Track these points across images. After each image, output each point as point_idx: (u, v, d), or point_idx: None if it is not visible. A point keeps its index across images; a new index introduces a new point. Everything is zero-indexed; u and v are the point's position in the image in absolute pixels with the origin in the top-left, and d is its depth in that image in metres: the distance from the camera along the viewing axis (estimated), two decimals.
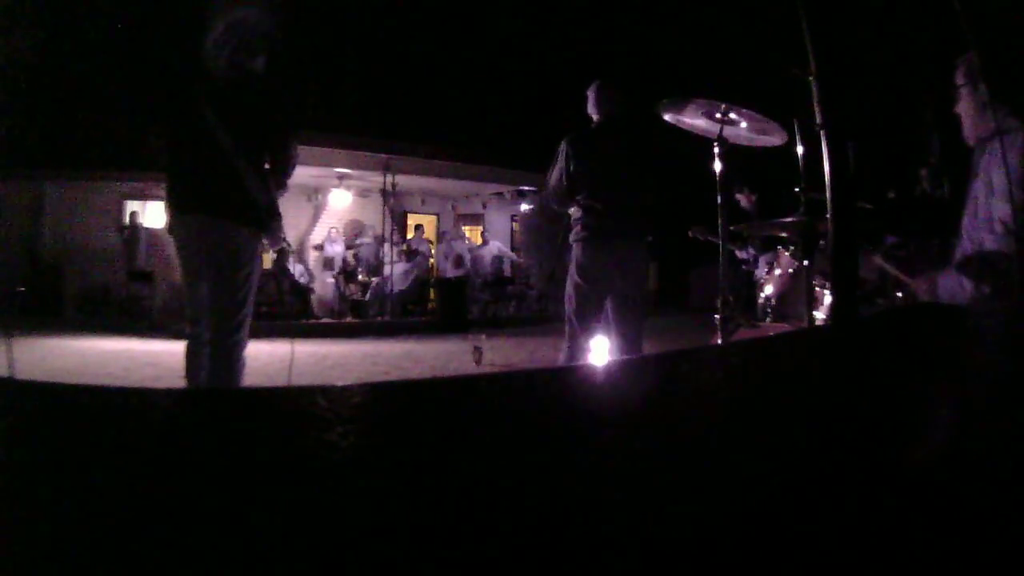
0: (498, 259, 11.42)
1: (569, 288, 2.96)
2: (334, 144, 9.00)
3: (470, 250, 11.33)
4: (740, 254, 5.18)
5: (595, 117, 3.04)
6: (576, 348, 2.92)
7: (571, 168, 2.91)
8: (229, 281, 2.39)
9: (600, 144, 2.97)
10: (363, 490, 0.37)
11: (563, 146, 2.96)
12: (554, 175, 2.99)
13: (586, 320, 2.93)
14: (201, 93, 2.39)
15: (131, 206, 10.53)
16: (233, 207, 2.36)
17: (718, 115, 2.56)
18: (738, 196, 5.21)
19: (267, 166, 2.48)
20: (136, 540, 0.30)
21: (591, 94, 3.04)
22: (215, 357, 2.37)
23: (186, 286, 2.52)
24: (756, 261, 5.05)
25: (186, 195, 2.43)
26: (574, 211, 2.97)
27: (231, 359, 2.39)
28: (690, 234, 4.44)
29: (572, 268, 2.97)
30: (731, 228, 2.78)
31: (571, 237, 2.98)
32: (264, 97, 2.49)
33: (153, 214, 10.50)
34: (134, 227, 9.86)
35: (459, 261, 10.85)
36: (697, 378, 0.68)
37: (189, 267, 2.47)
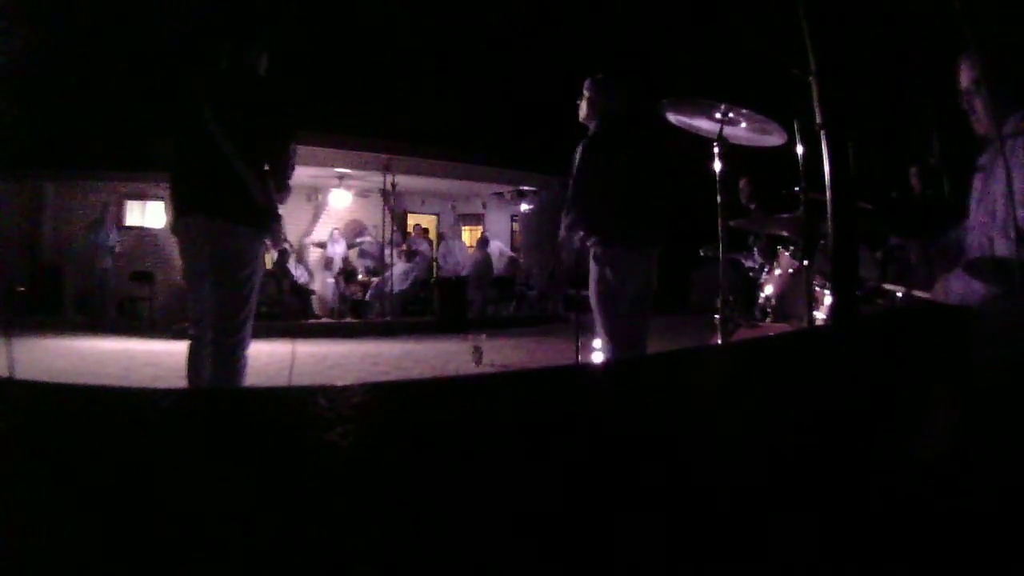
0: (506, 259, 11.45)
1: (598, 295, 2.81)
2: (334, 144, 9.00)
3: (474, 252, 11.34)
4: (747, 262, 5.16)
5: (594, 117, 2.95)
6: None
7: (590, 173, 2.79)
8: (230, 281, 2.40)
9: (611, 143, 2.88)
10: (363, 490, 0.37)
11: (580, 152, 2.82)
12: (575, 187, 2.83)
13: (625, 324, 2.79)
14: (202, 94, 2.40)
15: (131, 206, 10.52)
16: (233, 208, 2.38)
17: (718, 115, 2.56)
18: (741, 184, 5.18)
19: (267, 167, 2.49)
20: (136, 540, 0.30)
21: (589, 91, 2.95)
22: (216, 357, 2.38)
23: (188, 286, 2.54)
24: (763, 268, 5.03)
25: (187, 196, 2.45)
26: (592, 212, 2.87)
27: (232, 359, 2.40)
28: (701, 253, 4.43)
29: (599, 274, 2.82)
30: (731, 223, 2.76)
31: (589, 241, 2.86)
32: (265, 98, 2.50)
33: (153, 214, 10.50)
34: (92, 223, 9.64)
35: (487, 268, 10.88)
36: (697, 378, 0.68)
37: (191, 267, 2.49)
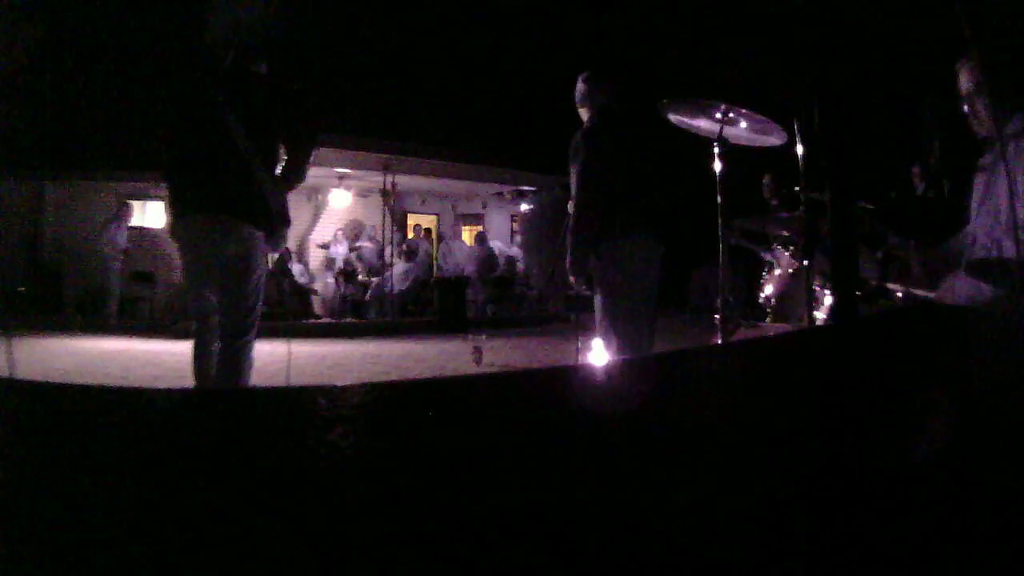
0: (504, 259, 11.47)
1: (604, 297, 2.80)
2: (334, 144, 9.00)
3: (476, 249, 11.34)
4: (766, 256, 5.15)
5: (589, 111, 2.94)
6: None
7: (590, 165, 2.78)
8: (242, 284, 2.40)
9: (607, 136, 2.87)
10: (363, 489, 0.37)
11: (580, 143, 2.82)
12: (580, 181, 2.81)
13: (629, 321, 2.78)
14: (216, 95, 2.37)
15: (131, 206, 10.50)
16: (244, 208, 2.36)
17: (718, 115, 2.56)
18: (764, 180, 5.16)
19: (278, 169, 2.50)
20: (136, 539, 0.30)
21: (582, 86, 2.96)
22: (225, 357, 2.39)
23: (192, 285, 2.51)
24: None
25: (194, 194, 2.40)
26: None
27: (241, 359, 2.41)
28: (732, 241, 4.39)
29: (603, 272, 2.81)
30: (730, 225, 2.76)
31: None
32: (273, 99, 2.48)
33: (153, 214, 10.49)
34: (108, 221, 9.55)
35: (491, 263, 10.89)
36: (697, 378, 0.68)
37: (196, 267, 2.46)
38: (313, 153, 2.53)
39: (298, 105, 2.54)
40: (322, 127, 2.82)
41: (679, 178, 3.02)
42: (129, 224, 9.80)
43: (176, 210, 2.46)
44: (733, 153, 2.62)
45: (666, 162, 3.00)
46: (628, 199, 2.80)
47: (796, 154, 2.29)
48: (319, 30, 10.90)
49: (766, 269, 4.16)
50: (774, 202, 5.15)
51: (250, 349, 2.44)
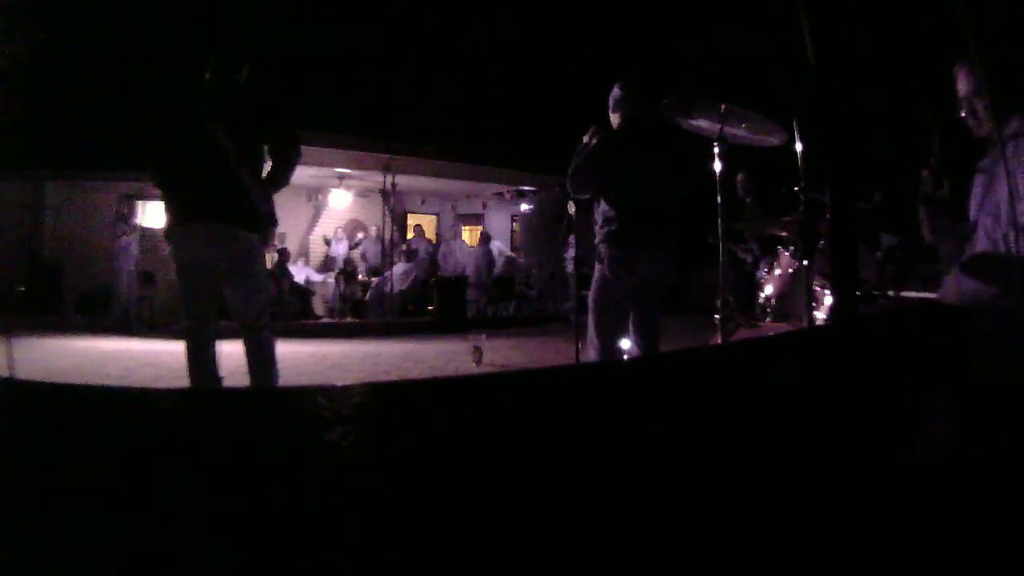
0: (504, 259, 11.47)
1: (595, 292, 2.85)
2: (334, 144, 8.99)
3: (474, 251, 11.34)
4: (743, 256, 5.16)
5: (618, 118, 2.96)
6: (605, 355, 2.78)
7: (603, 163, 2.81)
8: (248, 284, 2.56)
9: (634, 145, 2.89)
10: (363, 488, 0.37)
11: (602, 138, 2.85)
12: (583, 159, 2.85)
13: (614, 325, 2.82)
14: (202, 106, 2.46)
15: (135, 205, 10.47)
16: (240, 215, 2.48)
17: (718, 115, 2.56)
18: (739, 178, 5.19)
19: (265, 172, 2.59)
20: (136, 539, 0.30)
21: (617, 92, 2.96)
22: (252, 350, 2.58)
23: (190, 287, 2.59)
24: (757, 262, 5.04)
25: (192, 204, 2.50)
26: (602, 212, 2.88)
27: (265, 342, 2.61)
28: (710, 240, 4.42)
29: (601, 269, 2.85)
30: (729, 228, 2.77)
31: (598, 239, 2.88)
32: (256, 106, 2.56)
33: (153, 214, 10.47)
34: (117, 220, 9.48)
35: (490, 263, 10.91)
36: (697, 378, 0.68)
37: (195, 270, 2.54)
38: (297, 155, 2.62)
39: (279, 110, 2.63)
40: (296, 124, 2.92)
41: (694, 194, 3.02)
42: (131, 223, 9.76)
43: (173, 217, 2.54)
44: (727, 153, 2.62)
45: (685, 175, 3.00)
46: (635, 208, 2.81)
47: (779, 153, 2.29)
48: (319, 30, 10.90)
49: (761, 270, 4.16)
50: (748, 200, 5.17)
51: (271, 340, 2.62)
